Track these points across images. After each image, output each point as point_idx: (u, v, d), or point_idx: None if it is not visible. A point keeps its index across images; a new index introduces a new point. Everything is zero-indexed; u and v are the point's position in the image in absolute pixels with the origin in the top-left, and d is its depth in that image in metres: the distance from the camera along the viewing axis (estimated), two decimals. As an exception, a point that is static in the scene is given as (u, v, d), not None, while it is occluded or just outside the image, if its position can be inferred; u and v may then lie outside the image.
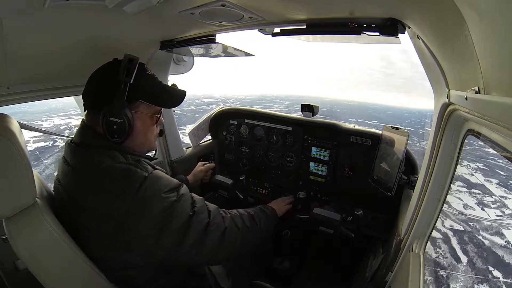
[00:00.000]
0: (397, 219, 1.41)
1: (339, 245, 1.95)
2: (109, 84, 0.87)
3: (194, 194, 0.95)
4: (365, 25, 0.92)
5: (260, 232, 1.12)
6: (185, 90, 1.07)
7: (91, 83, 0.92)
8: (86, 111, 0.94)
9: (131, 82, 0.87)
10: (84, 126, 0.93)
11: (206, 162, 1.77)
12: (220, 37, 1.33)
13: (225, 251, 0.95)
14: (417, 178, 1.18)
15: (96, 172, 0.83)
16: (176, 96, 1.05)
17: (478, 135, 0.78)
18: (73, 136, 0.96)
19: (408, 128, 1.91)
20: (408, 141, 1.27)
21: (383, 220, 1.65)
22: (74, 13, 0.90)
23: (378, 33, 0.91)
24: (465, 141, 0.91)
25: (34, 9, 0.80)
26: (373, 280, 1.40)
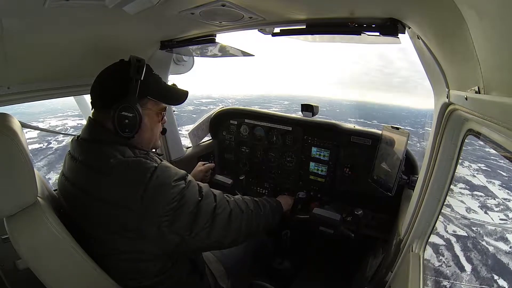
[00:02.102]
0: (397, 219, 1.41)
1: (339, 245, 1.95)
2: (122, 81, 0.92)
3: (199, 182, 0.99)
4: (365, 25, 0.92)
5: (265, 218, 1.14)
6: (187, 90, 1.12)
7: (103, 81, 0.95)
8: (95, 108, 0.97)
9: (142, 79, 0.92)
10: (92, 123, 0.96)
11: (206, 162, 1.77)
12: (220, 37, 1.33)
13: (232, 233, 0.98)
14: (417, 178, 1.18)
15: (108, 164, 0.85)
16: (180, 95, 1.11)
17: (478, 135, 0.78)
18: (74, 133, 0.98)
19: (408, 128, 1.91)
20: (408, 141, 1.27)
21: (383, 220, 1.65)
22: (74, 13, 0.90)
23: (378, 33, 0.90)
24: (465, 141, 0.91)
25: (34, 9, 0.80)
26: (373, 280, 1.40)
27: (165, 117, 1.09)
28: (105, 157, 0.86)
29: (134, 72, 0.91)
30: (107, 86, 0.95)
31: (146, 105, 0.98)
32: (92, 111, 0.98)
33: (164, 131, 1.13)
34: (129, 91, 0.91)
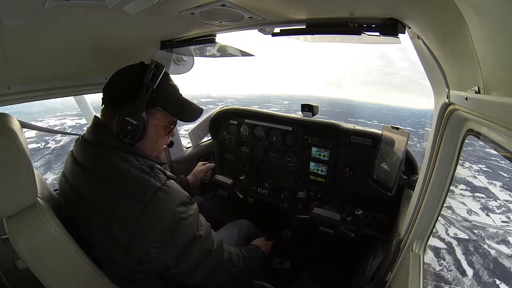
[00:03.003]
0: (397, 219, 1.41)
1: (339, 245, 1.94)
2: (133, 84, 0.88)
3: (202, 217, 0.95)
4: (365, 25, 0.91)
5: (247, 271, 1.13)
6: (202, 108, 1.06)
7: (116, 81, 0.93)
8: (104, 106, 0.94)
9: (154, 87, 0.88)
10: (97, 123, 0.93)
11: (206, 162, 1.77)
12: (220, 37, 1.33)
13: (217, 281, 0.97)
14: (417, 178, 1.18)
15: (109, 173, 0.83)
16: (194, 112, 1.04)
17: (478, 135, 0.78)
18: (74, 132, 0.96)
19: (408, 128, 1.91)
20: (408, 141, 1.27)
21: (383, 220, 1.65)
22: (74, 13, 0.90)
23: (378, 33, 0.90)
24: (466, 141, 0.91)
25: (34, 9, 0.80)
26: (373, 280, 1.40)
27: (173, 130, 1.03)
28: (108, 166, 0.84)
29: (148, 78, 0.87)
30: (119, 85, 0.92)
31: (155, 115, 0.93)
32: (102, 107, 0.95)
33: (171, 145, 1.08)
34: (138, 97, 0.87)
